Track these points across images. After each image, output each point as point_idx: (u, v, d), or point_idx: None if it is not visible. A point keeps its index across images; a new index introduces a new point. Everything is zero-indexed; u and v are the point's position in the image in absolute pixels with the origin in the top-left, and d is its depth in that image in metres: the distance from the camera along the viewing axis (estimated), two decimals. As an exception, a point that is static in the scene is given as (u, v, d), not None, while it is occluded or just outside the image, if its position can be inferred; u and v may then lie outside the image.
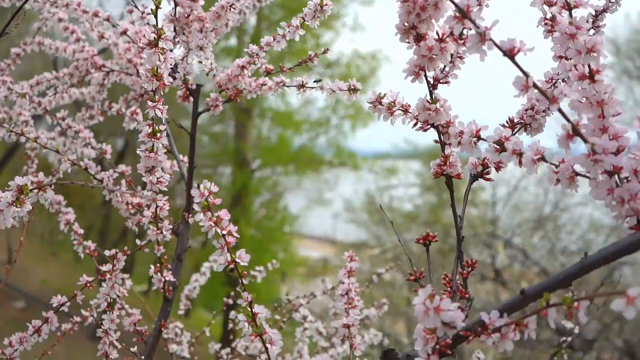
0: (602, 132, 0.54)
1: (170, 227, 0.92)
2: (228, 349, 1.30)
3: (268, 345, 0.65)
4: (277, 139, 11.35)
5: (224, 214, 0.63)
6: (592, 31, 0.73)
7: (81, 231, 1.11)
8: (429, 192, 10.78)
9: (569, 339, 1.10)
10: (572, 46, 0.54)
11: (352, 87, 0.85)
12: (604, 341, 6.02)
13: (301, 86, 0.95)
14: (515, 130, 0.69)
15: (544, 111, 0.69)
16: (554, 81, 0.70)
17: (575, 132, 0.52)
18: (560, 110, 0.52)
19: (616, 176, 0.54)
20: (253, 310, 0.65)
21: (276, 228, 10.72)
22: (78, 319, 1.11)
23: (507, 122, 0.70)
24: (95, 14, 1.11)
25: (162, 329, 1.00)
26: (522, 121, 0.69)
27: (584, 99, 0.54)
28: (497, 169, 0.68)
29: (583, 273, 0.50)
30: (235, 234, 0.63)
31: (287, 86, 0.97)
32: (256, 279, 1.41)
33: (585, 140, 0.51)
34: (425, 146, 11.37)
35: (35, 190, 0.67)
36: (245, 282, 0.65)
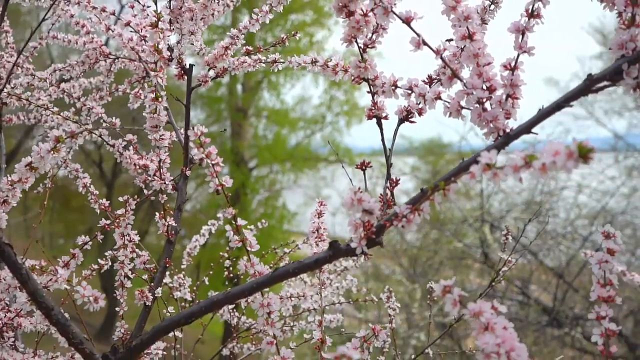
0: (478, 76, 0.76)
1: (172, 178, 1.14)
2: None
3: (248, 248, 0.87)
4: (273, 137, 11.56)
5: (213, 149, 0.85)
6: (492, 6, 0.95)
7: (96, 192, 1.33)
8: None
9: (505, 268, 1.31)
10: (454, 15, 0.75)
11: (313, 60, 1.07)
12: (593, 321, 6.23)
13: (274, 62, 1.17)
14: (433, 84, 0.91)
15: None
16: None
17: (454, 75, 0.74)
18: (442, 59, 0.73)
19: (489, 105, 0.76)
20: (237, 222, 0.87)
21: (275, 226, 10.91)
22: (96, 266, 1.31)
23: (426, 77, 0.91)
24: (103, 10, 1.33)
25: (167, 266, 1.21)
26: (437, 77, 0.91)
27: (464, 52, 0.76)
28: (419, 113, 0.90)
29: (460, 171, 0.71)
30: (221, 164, 0.84)
31: (264, 62, 1.19)
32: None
33: (461, 80, 0.73)
34: (421, 141, 11.61)
35: (69, 139, 0.89)
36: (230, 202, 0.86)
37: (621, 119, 8.73)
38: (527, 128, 0.69)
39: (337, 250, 0.79)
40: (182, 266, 1.59)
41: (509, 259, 1.29)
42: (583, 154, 0.50)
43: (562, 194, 7.81)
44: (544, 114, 0.69)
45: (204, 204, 11.04)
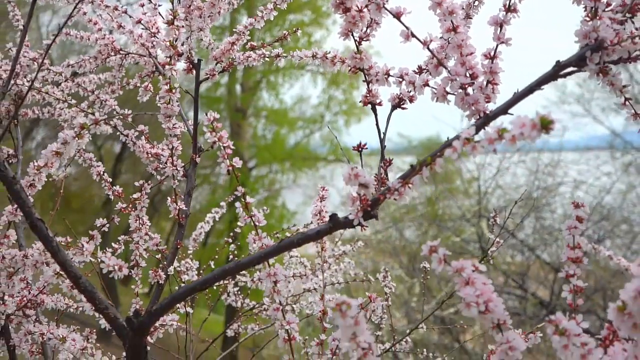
0: (462, 65, 0.85)
1: (183, 164, 1.22)
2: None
3: (256, 223, 0.96)
4: (272, 137, 11.65)
5: (224, 134, 0.94)
6: (476, 2, 1.04)
7: (110, 180, 1.41)
8: (424, 185, 11.08)
9: (494, 248, 1.40)
10: (439, 10, 0.84)
11: (314, 54, 1.15)
12: (586, 314, 6.36)
13: (277, 56, 1.26)
14: (422, 73, 1.00)
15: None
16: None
17: (439, 63, 0.83)
18: (429, 50, 0.82)
19: (471, 90, 0.85)
20: (246, 200, 0.96)
21: (274, 225, 11.00)
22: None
23: (417, 68, 1.00)
24: (115, 8, 1.41)
25: (178, 247, 1.30)
26: (426, 67, 1.00)
27: (449, 43, 0.85)
28: (411, 100, 0.99)
29: (445, 147, 0.80)
30: (232, 147, 0.93)
31: (267, 57, 1.28)
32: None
33: (445, 68, 0.82)
34: (419, 140, 11.70)
35: (93, 125, 0.97)
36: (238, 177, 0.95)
37: (618, 116, 8.81)
38: (504, 110, 0.78)
39: (337, 222, 0.87)
40: (189, 251, 1.68)
41: (497, 240, 1.38)
42: (545, 125, 0.59)
43: (559, 189, 7.90)
44: (518, 97, 0.77)
45: (204, 204, 11.13)
